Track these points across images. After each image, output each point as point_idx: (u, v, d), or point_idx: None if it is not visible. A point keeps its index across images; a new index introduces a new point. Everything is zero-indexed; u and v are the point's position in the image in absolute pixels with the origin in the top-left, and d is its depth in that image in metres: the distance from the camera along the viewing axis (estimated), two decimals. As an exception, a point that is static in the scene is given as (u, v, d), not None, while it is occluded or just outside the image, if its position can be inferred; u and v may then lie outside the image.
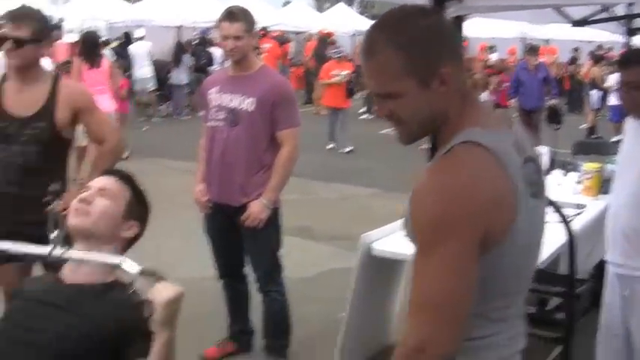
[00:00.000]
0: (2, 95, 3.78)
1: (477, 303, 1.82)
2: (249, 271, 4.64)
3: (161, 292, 2.01)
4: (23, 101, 3.76)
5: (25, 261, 3.78)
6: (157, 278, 2.09)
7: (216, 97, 4.32)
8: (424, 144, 10.52)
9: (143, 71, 15.84)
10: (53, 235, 2.32)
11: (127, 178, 2.48)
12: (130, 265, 2.16)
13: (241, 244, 4.47)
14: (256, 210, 4.25)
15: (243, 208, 4.28)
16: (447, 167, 1.82)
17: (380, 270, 4.45)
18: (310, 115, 16.30)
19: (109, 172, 2.54)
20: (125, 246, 2.46)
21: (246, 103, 4.21)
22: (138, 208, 2.45)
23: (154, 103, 16.77)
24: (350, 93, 13.18)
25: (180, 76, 16.91)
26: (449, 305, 1.76)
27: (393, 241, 4.24)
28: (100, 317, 2.19)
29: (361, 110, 17.25)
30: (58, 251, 2.27)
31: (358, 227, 5.21)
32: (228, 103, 4.26)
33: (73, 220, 2.34)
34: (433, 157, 1.94)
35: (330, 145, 13.15)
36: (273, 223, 4.36)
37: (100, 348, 2.16)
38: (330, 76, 13.03)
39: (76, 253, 2.33)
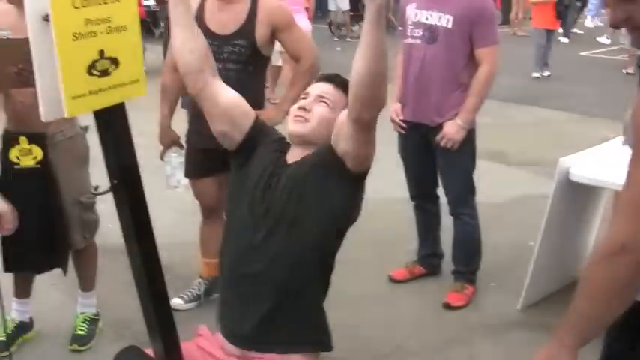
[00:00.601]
0: (204, 13, 3.86)
1: None
2: (440, 193, 4.59)
3: None
4: (224, 20, 3.83)
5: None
6: None
7: (414, 13, 4.22)
8: (628, 67, 9.91)
9: (338, -8, 15.88)
10: None
11: (344, 84, 2.47)
12: None
13: (435, 164, 4.40)
14: (452, 131, 4.16)
15: (438, 128, 4.20)
16: None
17: (577, 197, 4.27)
18: (507, 36, 15.84)
19: (327, 78, 2.58)
20: None
21: (444, 20, 4.09)
22: None
23: (348, 24, 16.94)
24: (559, 14, 12.26)
25: (374, -3, 16.82)
26: None
27: (593, 166, 4.06)
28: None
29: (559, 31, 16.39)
30: None
31: (554, 153, 5.03)
32: (426, 20, 4.15)
33: (292, 127, 2.49)
34: None
35: (536, 74, 12.49)
36: (468, 144, 4.26)
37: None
38: (538, -5, 12.15)
39: None
